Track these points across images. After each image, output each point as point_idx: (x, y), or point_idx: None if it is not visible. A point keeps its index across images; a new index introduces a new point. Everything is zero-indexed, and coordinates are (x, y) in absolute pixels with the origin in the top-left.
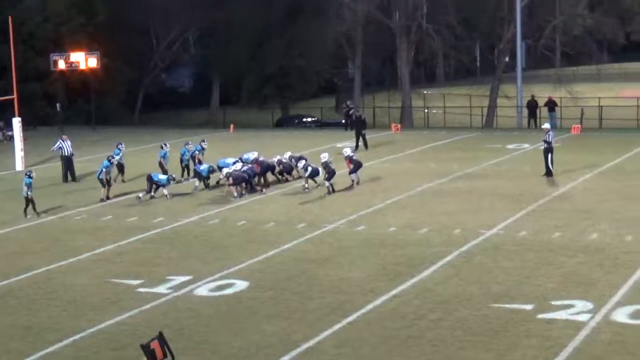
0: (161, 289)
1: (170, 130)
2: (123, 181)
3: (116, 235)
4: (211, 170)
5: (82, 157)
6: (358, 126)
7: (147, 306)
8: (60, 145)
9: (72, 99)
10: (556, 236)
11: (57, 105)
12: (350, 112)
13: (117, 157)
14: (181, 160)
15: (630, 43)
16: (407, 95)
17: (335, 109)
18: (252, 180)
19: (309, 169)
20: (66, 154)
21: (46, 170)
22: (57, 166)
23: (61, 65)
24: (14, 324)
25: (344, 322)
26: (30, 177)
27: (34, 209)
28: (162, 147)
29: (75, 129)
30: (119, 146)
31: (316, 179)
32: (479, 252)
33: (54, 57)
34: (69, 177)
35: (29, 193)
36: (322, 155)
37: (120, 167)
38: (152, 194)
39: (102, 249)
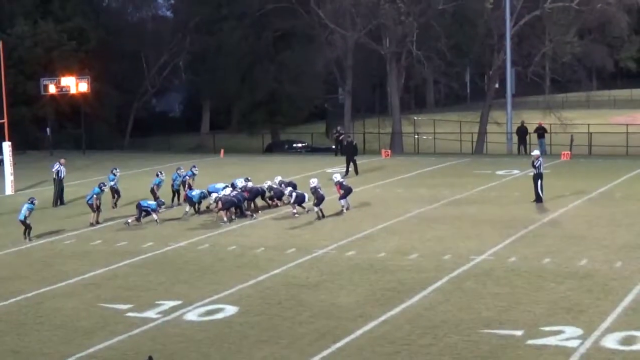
0: (150, 313)
1: (161, 155)
2: (114, 206)
3: (105, 259)
4: (203, 196)
5: (72, 181)
6: (349, 152)
7: (137, 331)
8: (58, 168)
9: (62, 124)
10: (546, 262)
11: (47, 129)
12: (341, 137)
13: (112, 182)
14: (172, 186)
15: (619, 70)
16: (397, 121)
17: (325, 135)
18: (241, 205)
19: (294, 195)
20: (61, 178)
21: (35, 195)
22: (46, 190)
23: (51, 89)
24: (3, 348)
25: (334, 347)
26: (32, 203)
27: (28, 234)
28: (157, 175)
29: (65, 153)
30: (114, 171)
31: (304, 204)
32: (469, 277)
33: (44, 81)
34: (59, 201)
35: (27, 218)
36: (310, 181)
37: (116, 192)
38: (141, 220)
39: (91, 274)
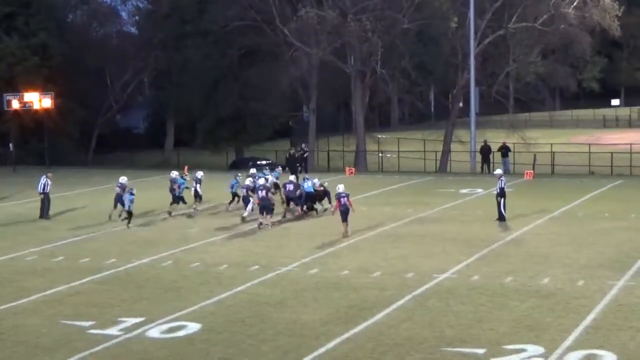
0: (113, 330)
1: (124, 171)
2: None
3: (68, 276)
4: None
5: (34, 197)
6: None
7: (99, 347)
8: (45, 182)
9: (25, 139)
10: (508, 280)
11: (10, 145)
12: (305, 155)
13: (235, 185)
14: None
15: (582, 90)
16: (361, 139)
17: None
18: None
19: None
20: (46, 191)
21: None
22: (8, 206)
23: (15, 105)
24: None
25: None
26: (132, 194)
27: (128, 222)
28: (235, 178)
29: (29, 169)
30: (237, 177)
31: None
32: (432, 296)
33: (7, 96)
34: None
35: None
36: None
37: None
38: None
39: (53, 290)
